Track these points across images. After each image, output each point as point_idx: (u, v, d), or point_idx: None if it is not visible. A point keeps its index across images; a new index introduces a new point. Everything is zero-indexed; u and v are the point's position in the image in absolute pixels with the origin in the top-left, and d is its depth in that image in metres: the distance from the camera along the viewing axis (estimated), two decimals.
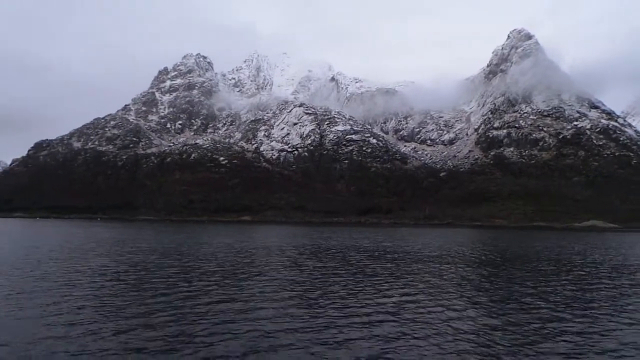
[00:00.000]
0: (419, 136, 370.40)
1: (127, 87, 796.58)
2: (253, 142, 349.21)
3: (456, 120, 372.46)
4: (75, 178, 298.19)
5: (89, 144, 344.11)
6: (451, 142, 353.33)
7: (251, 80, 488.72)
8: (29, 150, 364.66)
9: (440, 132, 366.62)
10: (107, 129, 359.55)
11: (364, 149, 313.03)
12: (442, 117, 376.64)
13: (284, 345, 11.52)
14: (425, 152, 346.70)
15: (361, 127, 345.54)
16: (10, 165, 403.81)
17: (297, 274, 26.52)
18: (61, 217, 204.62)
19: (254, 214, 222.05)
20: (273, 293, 19.37)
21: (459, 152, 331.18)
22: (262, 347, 11.10)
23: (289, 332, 12.79)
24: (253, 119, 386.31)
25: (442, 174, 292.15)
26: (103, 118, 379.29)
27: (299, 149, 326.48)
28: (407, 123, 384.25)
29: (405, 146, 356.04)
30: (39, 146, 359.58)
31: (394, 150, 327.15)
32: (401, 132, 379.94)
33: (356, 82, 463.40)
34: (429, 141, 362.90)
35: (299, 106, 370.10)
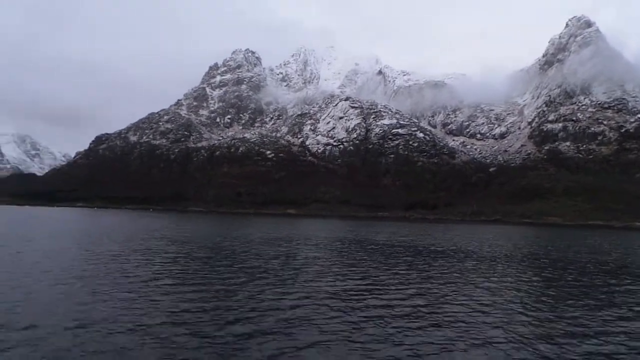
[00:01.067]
0: (468, 130, 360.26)
1: (180, 82, 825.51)
2: (299, 136, 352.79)
3: (508, 114, 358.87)
4: (131, 170, 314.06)
5: (144, 137, 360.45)
6: (502, 136, 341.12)
7: (298, 75, 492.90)
8: (90, 144, 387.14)
9: (491, 125, 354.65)
10: (160, 124, 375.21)
11: (410, 143, 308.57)
12: (492, 110, 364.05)
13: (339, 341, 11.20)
14: (475, 147, 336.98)
15: (408, 121, 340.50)
16: (74, 158, 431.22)
17: (349, 268, 25.20)
18: (118, 207, 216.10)
19: (299, 207, 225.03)
20: (329, 288, 18.68)
21: (510, 146, 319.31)
22: (323, 343, 10.83)
23: (341, 326, 12.51)
24: (299, 113, 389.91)
25: (491, 169, 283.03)
26: (157, 113, 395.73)
27: (345, 143, 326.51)
28: (455, 116, 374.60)
29: (453, 140, 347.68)
30: (99, 140, 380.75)
31: (441, 144, 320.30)
32: (449, 126, 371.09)
33: (404, 75, 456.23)
34: (478, 135, 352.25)
35: (345, 100, 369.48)
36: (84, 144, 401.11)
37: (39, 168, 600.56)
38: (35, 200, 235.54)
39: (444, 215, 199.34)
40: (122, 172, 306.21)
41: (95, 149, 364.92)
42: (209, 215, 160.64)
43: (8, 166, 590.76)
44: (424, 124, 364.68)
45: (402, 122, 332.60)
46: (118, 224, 69.77)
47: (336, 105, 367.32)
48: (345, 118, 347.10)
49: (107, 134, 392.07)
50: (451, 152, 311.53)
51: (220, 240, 42.53)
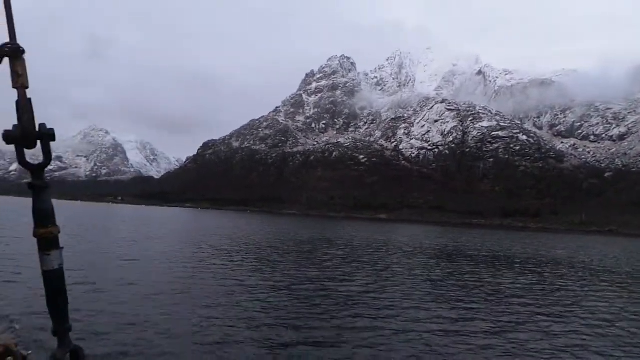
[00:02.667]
0: (579, 131, 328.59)
1: (280, 88, 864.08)
2: (393, 140, 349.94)
3: (629, 112, 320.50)
4: (233, 174, 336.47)
5: (245, 143, 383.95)
6: (621, 137, 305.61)
7: (393, 78, 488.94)
8: (198, 150, 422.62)
9: (607, 126, 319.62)
10: (260, 130, 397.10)
11: (511, 146, 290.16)
12: (610, 108, 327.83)
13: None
14: (587, 150, 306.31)
15: (509, 123, 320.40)
16: (185, 162, 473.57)
17: (449, 278, 22.86)
18: (220, 208, 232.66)
19: (390, 212, 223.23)
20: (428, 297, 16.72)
21: (631, 149, 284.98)
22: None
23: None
24: (393, 117, 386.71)
25: (607, 174, 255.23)
26: (257, 120, 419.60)
27: (440, 147, 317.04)
28: (565, 117, 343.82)
29: (562, 143, 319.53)
30: (206, 146, 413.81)
31: (547, 147, 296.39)
32: (558, 127, 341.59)
33: (506, 74, 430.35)
34: (592, 137, 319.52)
35: (441, 102, 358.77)
36: (194, 150, 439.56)
37: (156, 172, 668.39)
38: (151, 200, 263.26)
39: (547, 224, 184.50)
40: (226, 175, 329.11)
41: (203, 154, 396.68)
42: (301, 218, 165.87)
43: (132, 170, 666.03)
44: (528, 125, 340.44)
45: (502, 124, 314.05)
46: (236, 224, 72.86)
47: (431, 108, 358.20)
48: (441, 121, 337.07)
49: (214, 140, 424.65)
50: (559, 156, 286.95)
51: (318, 242, 42.60)
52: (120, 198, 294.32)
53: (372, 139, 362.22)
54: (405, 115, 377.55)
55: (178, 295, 13.71)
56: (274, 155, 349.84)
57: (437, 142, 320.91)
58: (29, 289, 12.60)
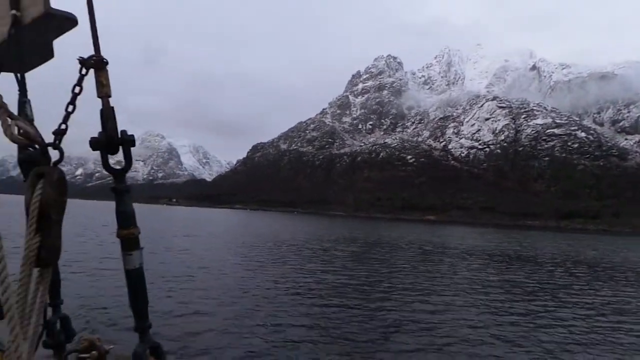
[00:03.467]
0: None
1: (325, 91, 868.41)
2: (441, 140, 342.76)
3: None
4: (281, 176, 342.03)
5: (293, 145, 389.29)
6: None
7: (441, 77, 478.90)
8: (248, 152, 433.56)
9: None
10: (307, 132, 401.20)
11: (568, 144, 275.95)
12: None
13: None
14: None
15: (566, 120, 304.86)
16: (235, 165, 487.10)
17: (508, 285, 20.62)
18: (268, 209, 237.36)
19: (439, 213, 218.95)
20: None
21: None
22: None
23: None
24: (442, 116, 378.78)
25: None
26: (304, 122, 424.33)
27: (491, 146, 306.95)
28: (629, 112, 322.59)
29: (625, 139, 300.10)
30: (255, 148, 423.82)
31: (609, 144, 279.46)
32: (621, 123, 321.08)
33: (562, 69, 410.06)
34: None
35: (492, 100, 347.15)
36: (244, 153, 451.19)
37: (208, 174, 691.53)
38: (203, 202, 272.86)
39: (609, 226, 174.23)
40: (274, 177, 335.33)
41: (252, 157, 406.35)
42: (348, 219, 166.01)
43: (185, 173, 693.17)
44: (587, 122, 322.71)
45: (558, 121, 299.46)
46: (287, 226, 73.45)
47: (482, 106, 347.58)
48: (492, 119, 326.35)
49: (262, 142, 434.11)
50: (622, 153, 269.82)
51: (370, 244, 41.80)
52: (174, 200, 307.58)
53: (419, 139, 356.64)
54: (454, 114, 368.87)
55: (246, 297, 14.00)
56: (321, 156, 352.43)
57: (488, 141, 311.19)
58: (112, 288, 13.40)
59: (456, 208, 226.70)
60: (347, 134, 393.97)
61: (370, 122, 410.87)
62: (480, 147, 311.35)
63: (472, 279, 21.54)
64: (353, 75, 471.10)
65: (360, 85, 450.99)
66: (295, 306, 13.03)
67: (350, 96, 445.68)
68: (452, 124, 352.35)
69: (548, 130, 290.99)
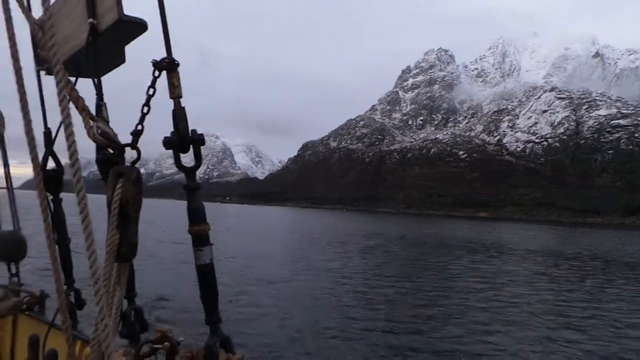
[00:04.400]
0: None
1: (375, 87, 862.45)
2: (495, 134, 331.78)
3: None
4: (331, 173, 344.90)
5: (342, 143, 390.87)
6: None
7: (495, 68, 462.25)
8: (298, 150, 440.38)
9: None
10: (357, 129, 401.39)
11: (636, 135, 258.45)
12: None
13: None
14: None
15: (633, 110, 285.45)
16: (286, 163, 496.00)
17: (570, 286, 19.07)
18: (317, 207, 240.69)
19: (492, 210, 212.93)
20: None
21: None
22: None
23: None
24: (496, 109, 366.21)
25: None
26: (354, 119, 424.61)
27: (549, 139, 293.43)
28: None
29: None
30: (305, 146, 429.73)
31: None
32: None
33: (629, 54, 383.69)
34: None
35: (550, 91, 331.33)
36: (295, 151, 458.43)
37: (261, 173, 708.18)
38: (255, 200, 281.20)
39: None
40: (324, 175, 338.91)
41: (302, 155, 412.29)
42: (399, 216, 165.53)
43: (239, 172, 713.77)
44: None
45: (624, 111, 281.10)
46: (338, 223, 72.16)
47: (539, 97, 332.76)
48: (550, 111, 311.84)
49: (312, 140, 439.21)
50: None
51: (424, 241, 39.69)
52: (228, 198, 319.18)
53: (472, 134, 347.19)
54: (509, 107, 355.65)
55: (304, 294, 14.26)
56: (370, 153, 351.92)
57: (546, 134, 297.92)
58: (182, 282, 13.76)
59: (511, 204, 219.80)
60: (397, 130, 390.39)
61: (421, 118, 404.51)
62: (537, 140, 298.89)
63: (536, 281, 19.64)
64: (403, 71, 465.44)
65: (411, 81, 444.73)
66: (351, 304, 13.03)
67: (400, 92, 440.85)
68: (506, 118, 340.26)
69: (613, 122, 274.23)
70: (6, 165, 2.49)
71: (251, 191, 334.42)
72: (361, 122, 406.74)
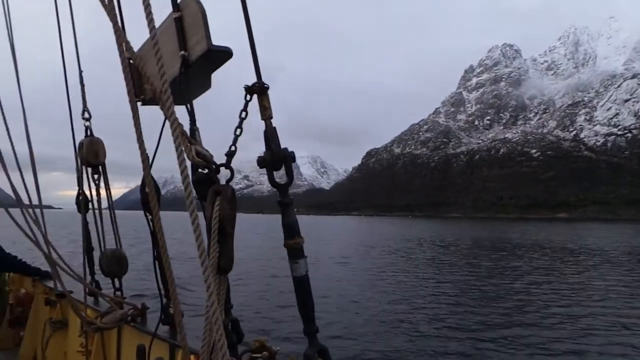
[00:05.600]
0: None
1: (437, 91, 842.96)
2: (571, 129, 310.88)
3: None
4: (395, 180, 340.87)
5: (407, 148, 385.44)
6: None
7: (568, 59, 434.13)
8: (362, 159, 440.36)
9: None
10: (420, 133, 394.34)
11: None
12: None
13: None
14: None
15: None
16: (351, 172, 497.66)
17: None
18: (383, 215, 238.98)
19: (572, 210, 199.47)
20: None
21: None
22: None
23: None
24: (570, 102, 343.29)
25: None
26: (417, 123, 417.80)
27: (633, 131, 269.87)
28: None
29: None
30: (369, 154, 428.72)
31: None
32: None
33: None
34: None
35: (631, 78, 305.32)
36: (359, 159, 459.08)
37: (326, 183, 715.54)
38: (321, 210, 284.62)
39: None
40: (388, 182, 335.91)
41: (366, 163, 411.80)
42: (469, 221, 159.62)
43: (305, 183, 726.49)
44: None
45: None
46: (406, 230, 70.11)
47: (619, 86, 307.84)
48: (634, 100, 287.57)
49: (376, 148, 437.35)
50: None
51: (501, 247, 36.74)
52: (295, 210, 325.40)
53: (545, 130, 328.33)
54: (586, 98, 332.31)
55: (400, 305, 14.00)
56: (436, 158, 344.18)
57: (630, 125, 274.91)
58: (276, 293, 14.36)
59: (593, 203, 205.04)
60: (463, 132, 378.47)
61: (488, 118, 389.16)
62: (619, 133, 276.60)
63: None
64: (466, 70, 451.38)
65: (474, 80, 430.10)
66: (435, 317, 12.53)
67: (464, 92, 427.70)
68: (583, 111, 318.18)
69: None
70: (107, 189, 2.74)
71: (317, 202, 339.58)
72: (425, 126, 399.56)
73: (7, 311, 4.85)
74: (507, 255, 31.34)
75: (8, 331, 4.83)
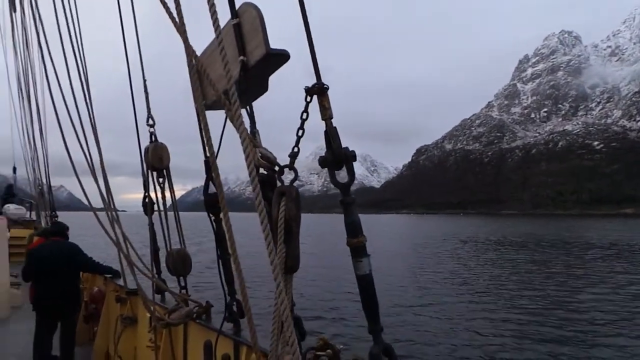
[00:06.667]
0: None
1: (489, 84, 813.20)
2: (638, 119, 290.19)
3: None
4: (447, 177, 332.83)
5: (458, 144, 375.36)
6: None
7: (634, 43, 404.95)
8: (412, 156, 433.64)
9: None
10: (472, 128, 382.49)
11: None
12: None
13: None
14: None
15: None
16: (401, 170, 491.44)
17: None
18: (434, 213, 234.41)
19: (638, 206, 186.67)
20: None
21: None
22: None
23: None
24: (637, 90, 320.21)
25: None
26: (469, 118, 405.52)
27: None
28: None
29: None
30: (419, 151, 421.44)
31: None
32: None
33: None
34: None
35: None
36: (409, 157, 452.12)
37: (377, 181, 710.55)
38: (371, 209, 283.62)
39: None
40: (439, 179, 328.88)
41: (417, 160, 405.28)
42: (526, 218, 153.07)
43: (356, 182, 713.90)
44: None
45: None
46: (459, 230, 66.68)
47: None
48: None
49: (426, 145, 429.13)
50: None
51: (571, 247, 35.36)
52: None
53: (609, 121, 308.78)
54: None
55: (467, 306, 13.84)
56: (489, 153, 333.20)
57: None
58: (336, 292, 14.56)
59: None
60: (518, 126, 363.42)
61: (545, 109, 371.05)
62: None
63: None
64: (520, 61, 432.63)
65: (530, 70, 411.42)
66: (499, 319, 12.13)
67: (518, 84, 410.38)
68: None
69: None
70: (172, 192, 2.79)
71: (367, 200, 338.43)
72: (477, 121, 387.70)
73: (81, 308, 5.27)
74: (583, 254, 29.32)
75: (83, 326, 5.39)
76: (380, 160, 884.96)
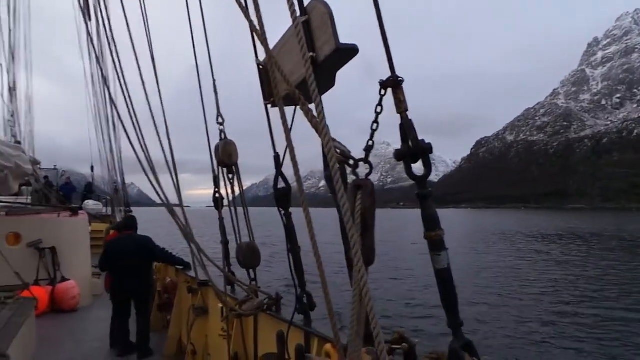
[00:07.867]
0: None
1: (554, 70, 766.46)
2: None
3: None
4: (508, 169, 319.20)
5: (521, 135, 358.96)
6: None
7: None
8: (471, 149, 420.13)
9: None
10: (536, 118, 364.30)
11: None
12: None
13: None
14: None
15: None
16: (460, 163, 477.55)
17: None
18: (495, 207, 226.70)
19: None
20: None
21: None
22: None
23: None
24: None
25: None
26: (532, 108, 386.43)
27: None
28: None
29: None
30: (478, 144, 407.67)
31: None
32: None
33: None
34: None
35: None
36: (468, 150, 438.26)
37: (435, 175, 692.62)
38: None
39: None
40: (500, 172, 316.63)
41: (476, 153, 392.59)
42: (595, 212, 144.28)
43: None
44: None
45: None
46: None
47: None
48: None
49: (486, 137, 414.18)
50: None
51: None
52: (401, 203, 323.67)
53: None
54: None
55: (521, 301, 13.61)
56: (555, 144, 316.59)
57: None
58: (413, 287, 14.52)
59: None
60: (587, 114, 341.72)
61: (618, 96, 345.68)
62: None
63: None
64: (589, 44, 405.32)
65: (600, 54, 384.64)
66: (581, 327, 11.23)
67: (587, 69, 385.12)
68: None
69: None
70: (241, 187, 2.87)
71: None
72: (541, 110, 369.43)
73: (155, 297, 5.89)
74: None
75: (157, 315, 5.96)
76: (438, 153, 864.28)
